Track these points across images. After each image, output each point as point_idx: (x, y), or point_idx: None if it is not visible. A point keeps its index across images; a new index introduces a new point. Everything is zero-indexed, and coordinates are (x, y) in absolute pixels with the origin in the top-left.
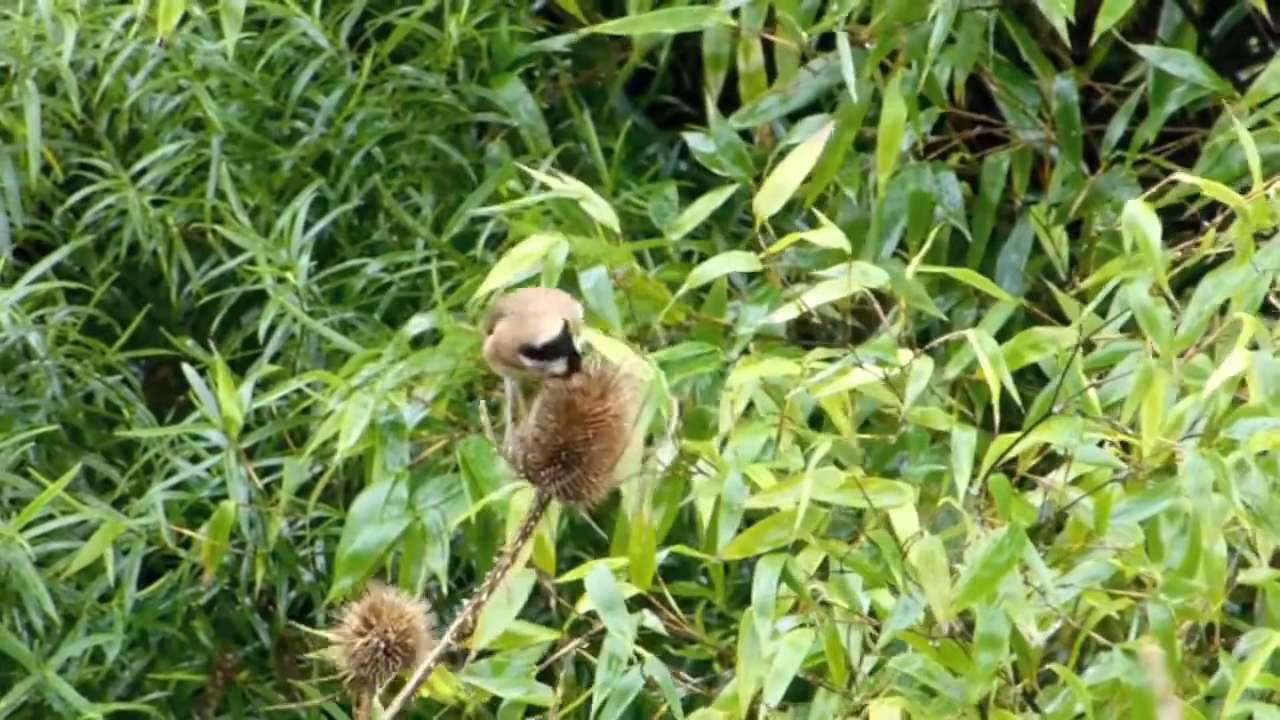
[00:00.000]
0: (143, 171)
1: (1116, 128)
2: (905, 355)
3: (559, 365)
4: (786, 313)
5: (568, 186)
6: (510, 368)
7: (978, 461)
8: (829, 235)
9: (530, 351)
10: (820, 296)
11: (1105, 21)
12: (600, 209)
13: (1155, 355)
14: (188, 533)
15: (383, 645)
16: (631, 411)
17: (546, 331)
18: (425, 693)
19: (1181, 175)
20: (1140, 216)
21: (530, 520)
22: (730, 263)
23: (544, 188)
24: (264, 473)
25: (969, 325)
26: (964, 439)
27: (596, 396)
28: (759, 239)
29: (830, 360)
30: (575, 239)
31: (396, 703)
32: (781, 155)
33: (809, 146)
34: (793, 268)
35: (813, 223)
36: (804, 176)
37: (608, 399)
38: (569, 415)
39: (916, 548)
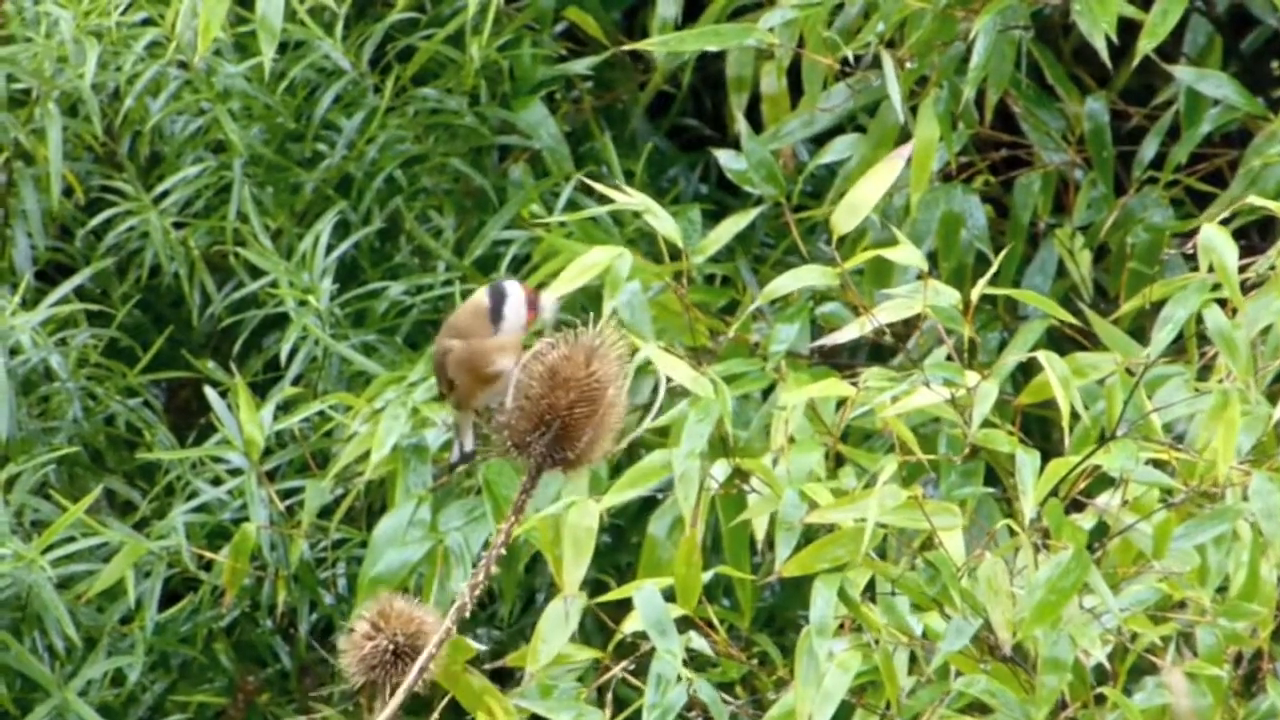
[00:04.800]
0: (164, 194)
1: (1149, 149)
2: (971, 377)
3: (513, 288)
4: (852, 330)
5: (631, 199)
6: (483, 375)
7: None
8: (906, 253)
9: (492, 303)
10: (891, 314)
11: (1147, 44)
12: (664, 222)
13: (1201, 377)
14: (209, 555)
15: (392, 648)
16: (617, 378)
17: (483, 292)
18: (483, 717)
19: (1256, 200)
20: (1216, 240)
21: (522, 493)
22: (805, 277)
23: (571, 206)
24: (285, 495)
25: (995, 348)
26: (1027, 462)
27: (581, 363)
28: (836, 255)
29: (889, 380)
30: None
31: (403, 687)
32: (810, 177)
33: (888, 165)
34: (816, 290)
35: (838, 245)
36: (881, 194)
37: (593, 365)
38: (553, 381)
39: (979, 570)
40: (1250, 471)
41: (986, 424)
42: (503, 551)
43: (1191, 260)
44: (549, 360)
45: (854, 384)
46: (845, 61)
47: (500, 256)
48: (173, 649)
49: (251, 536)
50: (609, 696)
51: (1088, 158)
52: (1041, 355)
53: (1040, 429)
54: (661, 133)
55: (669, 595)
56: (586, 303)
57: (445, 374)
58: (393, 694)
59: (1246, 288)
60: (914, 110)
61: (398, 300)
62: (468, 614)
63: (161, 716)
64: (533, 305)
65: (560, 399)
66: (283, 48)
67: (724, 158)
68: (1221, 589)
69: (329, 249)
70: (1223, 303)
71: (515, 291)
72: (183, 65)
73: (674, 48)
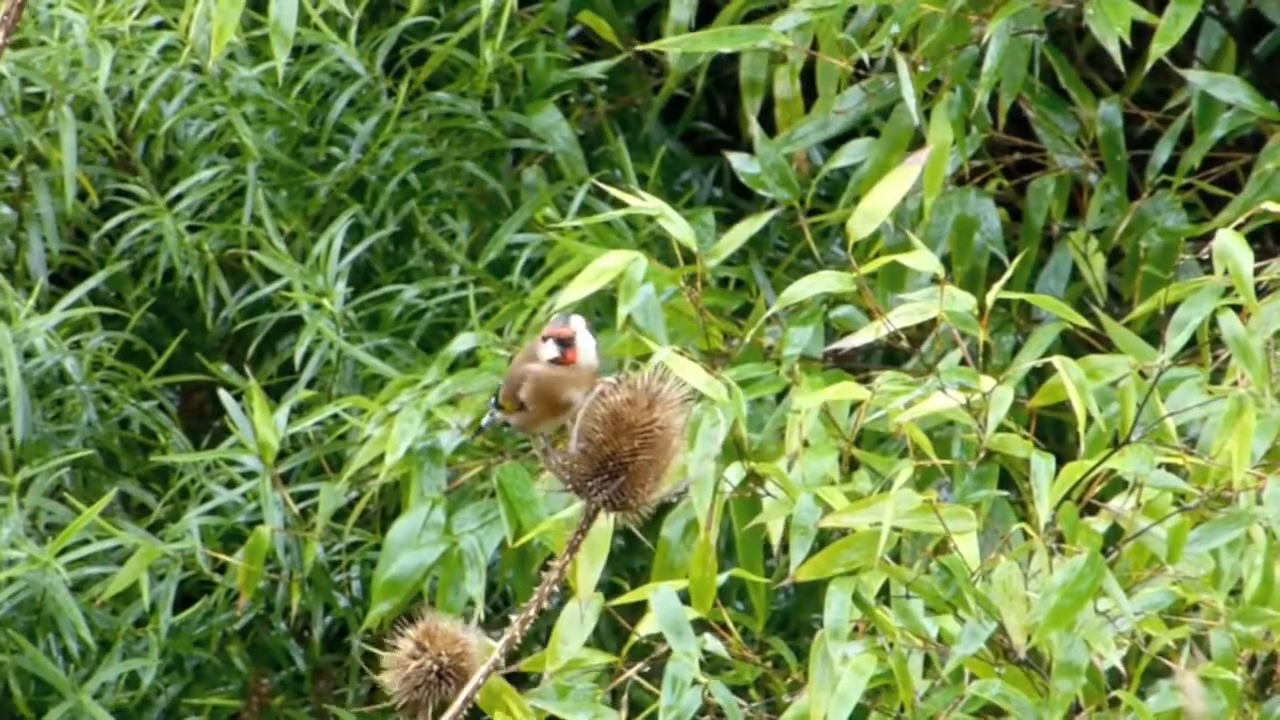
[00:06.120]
0: (179, 197)
1: (1162, 153)
2: (986, 381)
3: (557, 322)
4: (866, 334)
5: (645, 204)
6: (556, 404)
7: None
8: (922, 259)
9: (545, 336)
10: (906, 318)
11: (1159, 48)
12: (677, 226)
13: (1214, 380)
14: (223, 558)
15: (436, 669)
16: (678, 423)
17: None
18: (500, 717)
19: (1270, 206)
20: (1232, 245)
21: (578, 534)
22: (822, 282)
23: (585, 209)
24: (300, 498)
25: (1009, 351)
26: (1042, 466)
27: (644, 408)
28: (851, 260)
29: (904, 385)
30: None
31: (449, 714)
32: (824, 180)
33: (904, 171)
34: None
35: (852, 249)
36: (897, 199)
37: (655, 411)
38: (616, 427)
39: (994, 574)
40: (1264, 476)
41: (1000, 428)
42: (555, 589)
43: (1206, 264)
44: (611, 404)
45: (868, 388)
46: (859, 65)
47: (514, 260)
48: (187, 652)
49: (266, 539)
50: (624, 699)
51: (1101, 161)
52: (1058, 361)
53: (1054, 431)
54: (675, 136)
55: (683, 598)
56: (600, 307)
57: (518, 395)
58: (436, 715)
59: (1260, 292)
60: (927, 114)
61: (412, 303)
62: (482, 618)
63: (175, 719)
64: (563, 344)
65: (623, 445)
66: (296, 52)
67: (737, 161)
68: (1235, 593)
69: (343, 252)
70: (1236, 308)
71: (548, 334)
72: (197, 69)
73: (688, 49)
